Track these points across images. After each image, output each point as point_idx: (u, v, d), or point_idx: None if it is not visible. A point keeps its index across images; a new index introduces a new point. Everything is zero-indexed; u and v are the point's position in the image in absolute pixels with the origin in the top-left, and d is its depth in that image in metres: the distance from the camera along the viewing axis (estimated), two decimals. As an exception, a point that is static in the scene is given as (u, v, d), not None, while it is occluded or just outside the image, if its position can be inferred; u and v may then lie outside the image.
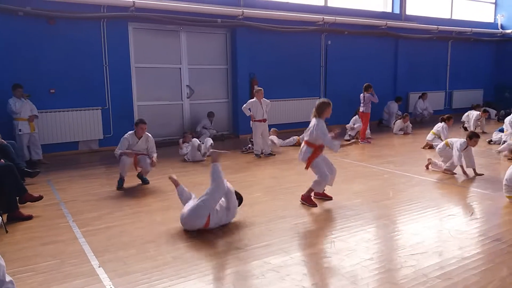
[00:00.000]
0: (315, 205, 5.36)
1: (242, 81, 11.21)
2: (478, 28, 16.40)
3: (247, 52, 11.24)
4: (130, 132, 6.46)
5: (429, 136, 9.40)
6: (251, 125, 8.71)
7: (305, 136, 5.52)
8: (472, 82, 17.04)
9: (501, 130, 9.76)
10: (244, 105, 8.58)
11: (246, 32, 11.12)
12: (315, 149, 5.37)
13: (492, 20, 17.55)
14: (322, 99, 5.51)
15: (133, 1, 9.14)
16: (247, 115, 8.59)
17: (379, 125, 13.51)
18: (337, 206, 5.37)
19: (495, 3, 17.61)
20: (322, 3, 12.84)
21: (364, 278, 3.41)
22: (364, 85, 10.27)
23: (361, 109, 10.34)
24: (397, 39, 14.25)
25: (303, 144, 5.53)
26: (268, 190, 6.16)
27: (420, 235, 4.38)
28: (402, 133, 11.67)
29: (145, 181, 6.52)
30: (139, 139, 6.41)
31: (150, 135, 6.57)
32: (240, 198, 4.92)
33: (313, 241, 4.32)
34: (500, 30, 17.22)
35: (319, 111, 5.36)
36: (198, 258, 3.84)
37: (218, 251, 4.01)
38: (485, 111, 11.96)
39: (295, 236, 4.37)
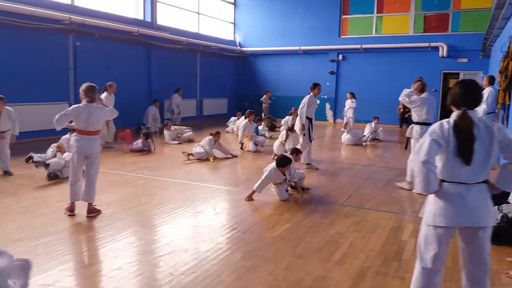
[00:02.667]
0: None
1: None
2: (221, 44, 18.52)
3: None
4: None
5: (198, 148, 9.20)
6: None
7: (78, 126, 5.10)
8: (219, 92, 19.12)
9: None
10: None
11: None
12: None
13: (232, 38, 20.13)
14: (89, 83, 5.20)
15: None
16: None
17: (138, 130, 13.50)
18: (86, 219, 5.01)
19: (234, 23, 20.28)
20: (68, 2, 11.92)
21: (111, 290, 3.27)
22: None
23: None
24: (149, 47, 14.60)
25: (82, 137, 5.10)
26: (2, 211, 5.22)
27: (169, 235, 4.55)
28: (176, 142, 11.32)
29: None
30: None
31: None
32: None
33: (56, 261, 3.87)
34: (238, 47, 19.94)
35: (92, 94, 5.13)
36: None
37: None
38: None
39: (34, 260, 3.77)
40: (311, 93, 8.33)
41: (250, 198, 5.94)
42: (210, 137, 9.30)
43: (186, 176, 7.52)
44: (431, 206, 2.73)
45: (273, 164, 6.13)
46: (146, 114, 13.70)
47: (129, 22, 13.63)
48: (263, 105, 17.41)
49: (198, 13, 17.87)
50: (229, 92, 19.86)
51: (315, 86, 8.35)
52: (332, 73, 18.25)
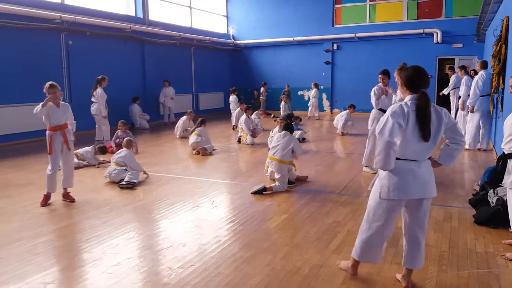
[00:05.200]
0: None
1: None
2: (215, 37, 18.44)
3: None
4: None
5: (193, 138, 9.20)
6: None
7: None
8: (215, 86, 19.06)
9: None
10: None
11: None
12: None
13: (225, 31, 20.04)
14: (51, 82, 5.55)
15: None
16: None
17: (132, 128, 13.52)
18: (84, 217, 5.03)
19: (227, 16, 20.18)
20: (59, 0, 11.83)
21: (110, 285, 3.29)
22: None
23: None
24: (143, 43, 14.53)
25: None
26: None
27: (168, 230, 4.57)
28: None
29: None
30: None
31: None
32: None
33: (55, 259, 3.89)
34: (232, 40, 19.85)
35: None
36: None
37: None
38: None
39: (33, 259, 3.84)
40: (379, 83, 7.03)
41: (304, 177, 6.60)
42: (202, 127, 9.35)
43: (183, 171, 7.53)
44: (385, 181, 2.97)
45: (287, 136, 6.23)
46: (131, 114, 13.59)
47: (120, 19, 13.56)
48: (261, 97, 17.36)
49: (190, 7, 17.77)
50: (225, 86, 19.78)
51: (384, 73, 6.95)
52: (327, 63, 18.21)
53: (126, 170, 6.59)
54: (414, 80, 2.94)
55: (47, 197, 5.49)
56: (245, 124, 10.48)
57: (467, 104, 8.94)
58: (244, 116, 10.70)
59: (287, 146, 6.10)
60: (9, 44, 10.33)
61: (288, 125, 6.53)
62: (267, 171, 6.60)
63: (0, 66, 10.10)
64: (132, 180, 6.34)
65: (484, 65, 8.76)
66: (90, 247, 4.07)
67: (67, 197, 5.60)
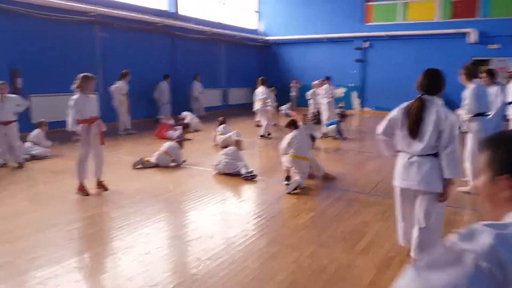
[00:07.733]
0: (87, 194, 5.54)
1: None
2: (245, 33, 18.48)
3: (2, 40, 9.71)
4: None
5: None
6: None
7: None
8: (244, 81, 19.11)
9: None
10: None
11: None
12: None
13: (255, 27, 20.05)
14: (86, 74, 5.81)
15: None
16: None
17: (156, 121, 13.72)
18: (116, 205, 5.20)
19: (258, 12, 20.17)
20: (94, -6, 12.14)
21: (140, 273, 3.40)
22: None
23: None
24: (173, 38, 14.74)
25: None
26: (38, 197, 5.48)
27: (197, 222, 4.67)
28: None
29: None
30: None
31: None
32: None
33: (89, 245, 4.06)
34: (262, 36, 19.85)
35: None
36: None
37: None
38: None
39: (68, 244, 4.01)
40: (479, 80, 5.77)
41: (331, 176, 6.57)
42: (225, 124, 9.73)
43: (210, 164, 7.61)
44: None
45: (303, 131, 6.33)
46: (160, 90, 13.41)
47: (153, 13, 13.77)
48: (291, 93, 17.25)
49: (221, 2, 17.85)
50: (254, 82, 19.76)
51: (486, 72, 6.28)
52: (357, 61, 17.96)
53: (234, 161, 6.72)
54: (418, 83, 3.23)
55: (83, 185, 5.63)
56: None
57: None
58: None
59: (307, 141, 6.21)
60: (48, 36, 10.67)
61: (293, 122, 6.40)
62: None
63: (39, 57, 10.45)
64: (250, 170, 6.55)
65: None
66: (122, 235, 4.21)
67: (101, 186, 5.78)
